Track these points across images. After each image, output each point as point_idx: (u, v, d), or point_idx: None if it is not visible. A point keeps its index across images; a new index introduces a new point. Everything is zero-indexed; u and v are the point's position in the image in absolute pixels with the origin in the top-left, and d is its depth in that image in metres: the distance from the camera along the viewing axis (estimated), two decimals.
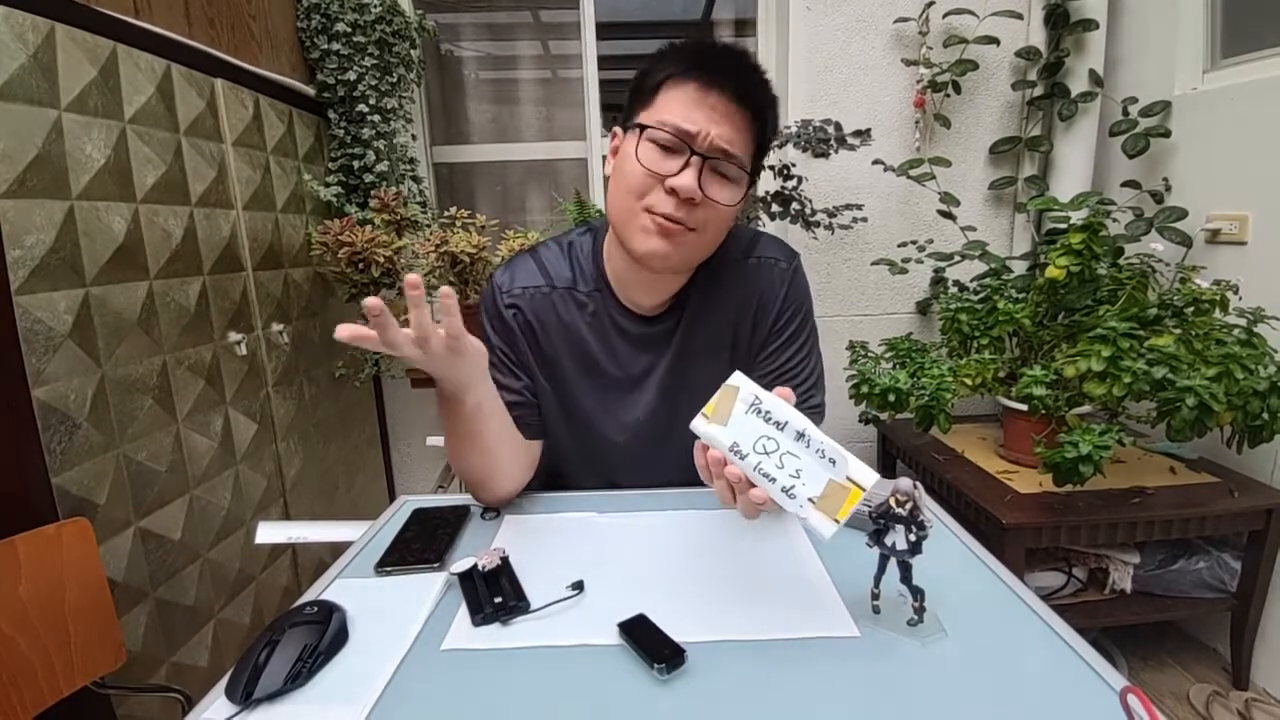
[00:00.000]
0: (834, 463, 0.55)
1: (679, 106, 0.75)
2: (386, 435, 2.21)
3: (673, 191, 0.74)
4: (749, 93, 0.75)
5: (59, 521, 0.94)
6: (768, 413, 0.58)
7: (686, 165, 0.74)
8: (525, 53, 2.26)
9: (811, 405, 0.91)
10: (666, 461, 0.93)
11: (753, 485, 0.57)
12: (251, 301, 1.47)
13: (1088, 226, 1.41)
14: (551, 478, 0.98)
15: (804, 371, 0.91)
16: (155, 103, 1.19)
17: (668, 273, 0.83)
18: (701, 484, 0.91)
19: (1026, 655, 0.57)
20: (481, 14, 2.19)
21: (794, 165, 1.84)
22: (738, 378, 0.60)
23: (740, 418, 0.58)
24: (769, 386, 0.59)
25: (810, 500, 0.55)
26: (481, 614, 0.63)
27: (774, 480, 0.56)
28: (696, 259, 0.83)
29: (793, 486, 0.55)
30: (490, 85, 2.26)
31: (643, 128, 0.76)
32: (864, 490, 0.54)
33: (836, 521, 0.54)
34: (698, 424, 0.59)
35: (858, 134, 1.78)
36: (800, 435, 0.56)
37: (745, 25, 2.18)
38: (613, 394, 0.92)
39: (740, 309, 0.90)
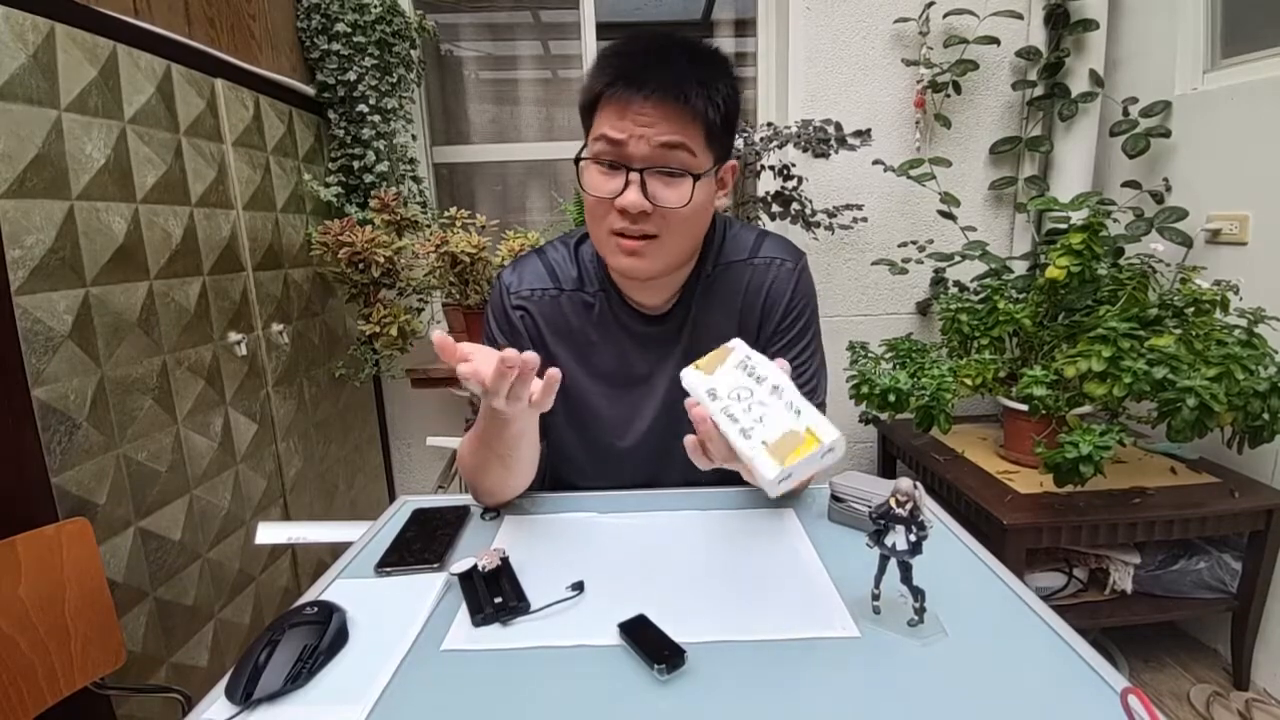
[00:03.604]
0: (799, 414, 0.56)
1: (607, 125, 0.75)
2: (386, 435, 2.21)
3: (624, 210, 0.76)
4: (675, 82, 0.74)
5: (59, 521, 0.94)
6: (753, 369, 0.60)
7: (628, 182, 0.75)
8: (525, 53, 2.26)
9: (813, 403, 0.91)
10: (672, 466, 0.93)
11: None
12: (251, 301, 1.46)
13: (1088, 227, 1.41)
14: (556, 484, 0.98)
15: (808, 370, 0.92)
16: (155, 103, 1.19)
17: (655, 277, 0.84)
18: (701, 484, 0.92)
19: (1027, 656, 0.57)
20: (481, 14, 2.19)
21: (794, 165, 1.84)
22: (736, 341, 0.62)
23: (727, 371, 0.61)
24: None
25: (763, 443, 0.55)
26: (481, 614, 0.62)
27: (736, 420, 0.57)
28: (678, 258, 0.83)
29: (752, 429, 0.56)
30: (490, 85, 2.26)
31: (581, 159, 0.79)
32: (821, 442, 0.53)
33: (781, 465, 0.53)
34: (686, 371, 0.62)
35: (858, 134, 1.78)
36: (776, 389, 0.58)
37: (745, 25, 2.18)
38: (620, 398, 0.92)
39: (746, 308, 0.90)
